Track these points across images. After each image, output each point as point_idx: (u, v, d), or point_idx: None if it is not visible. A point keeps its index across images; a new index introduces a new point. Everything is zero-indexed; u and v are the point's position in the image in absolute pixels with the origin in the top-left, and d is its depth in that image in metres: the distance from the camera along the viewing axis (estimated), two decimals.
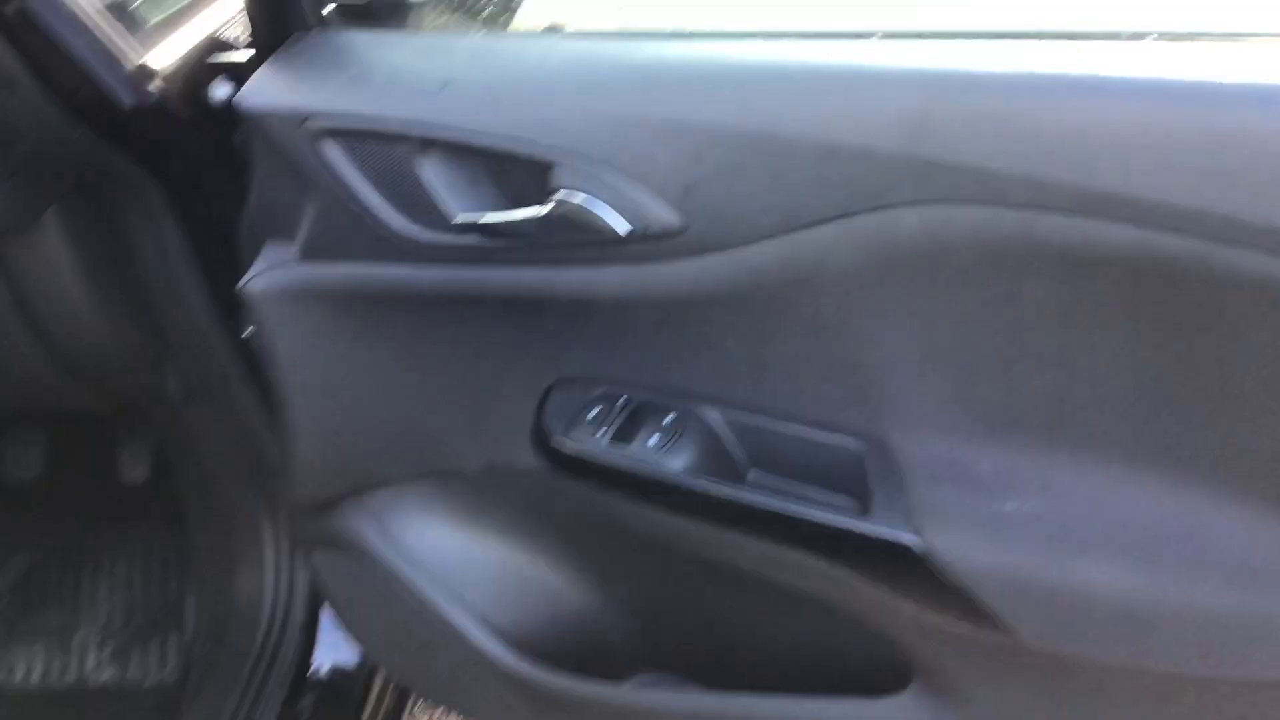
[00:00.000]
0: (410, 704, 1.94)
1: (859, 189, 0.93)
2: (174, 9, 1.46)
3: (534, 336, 1.24)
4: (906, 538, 1.02)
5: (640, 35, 1.13)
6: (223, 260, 1.54)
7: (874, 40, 0.99)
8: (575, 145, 1.05)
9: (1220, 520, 0.93)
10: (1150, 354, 0.90)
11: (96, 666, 1.96)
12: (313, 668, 1.72)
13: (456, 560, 1.43)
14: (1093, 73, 0.87)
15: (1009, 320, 0.94)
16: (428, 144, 1.12)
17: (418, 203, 1.14)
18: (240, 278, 1.49)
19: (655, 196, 1.03)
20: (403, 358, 1.30)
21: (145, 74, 1.35)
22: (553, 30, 1.47)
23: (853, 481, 1.07)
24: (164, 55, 1.38)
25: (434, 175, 1.13)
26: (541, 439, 1.22)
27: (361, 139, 1.15)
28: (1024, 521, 1.00)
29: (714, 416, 1.15)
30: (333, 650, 1.73)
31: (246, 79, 1.24)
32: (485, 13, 1.80)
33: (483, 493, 1.40)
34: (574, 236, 1.07)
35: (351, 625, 1.60)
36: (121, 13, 1.37)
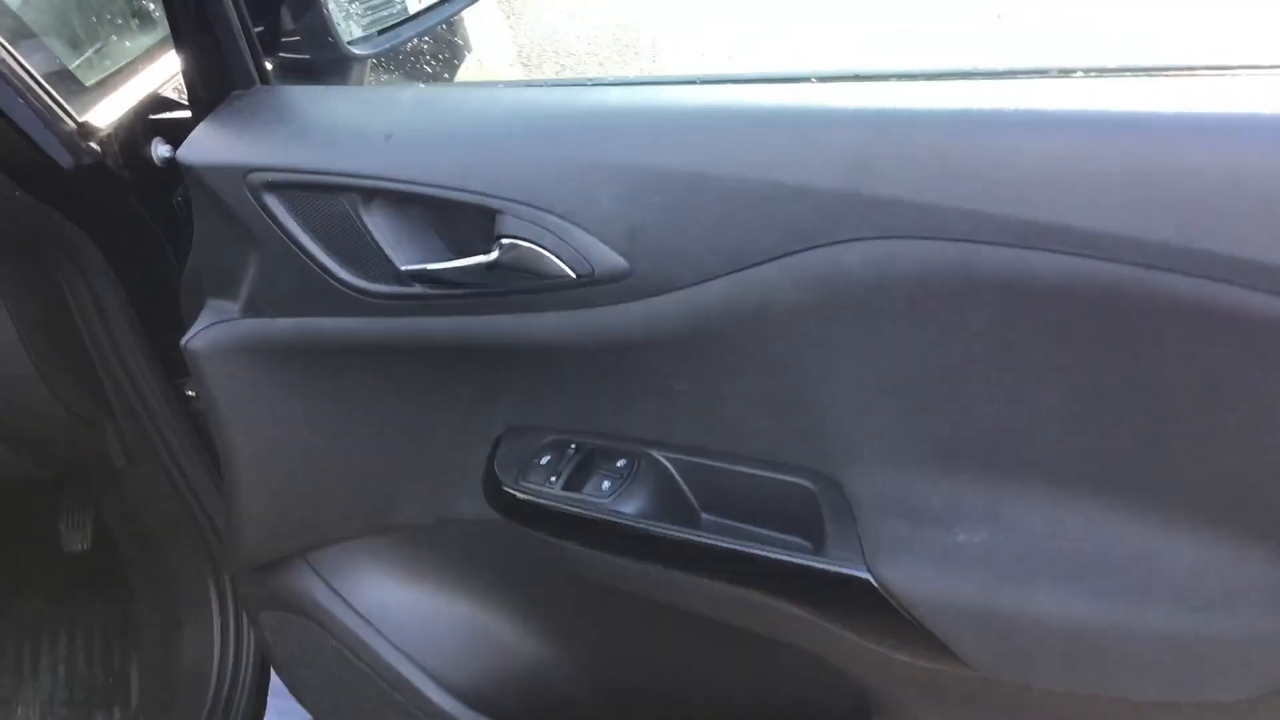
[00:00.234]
0: None
1: (802, 226, 0.94)
2: (112, 69, 1.45)
3: (482, 386, 1.23)
4: (860, 572, 1.03)
5: (581, 83, 1.14)
6: (163, 321, 1.53)
7: (811, 83, 1.01)
8: (519, 193, 1.05)
9: (1168, 545, 0.94)
10: (1092, 381, 0.91)
11: None
12: None
13: (409, 616, 1.41)
14: (1026, 108, 0.89)
15: (953, 352, 0.95)
16: (371, 195, 1.12)
17: (362, 254, 1.14)
18: (181, 337, 1.48)
19: (600, 241, 1.03)
20: (349, 412, 1.29)
21: (84, 134, 1.34)
22: (494, 81, 1.48)
23: (805, 521, 1.08)
24: (102, 115, 1.37)
25: (378, 226, 1.13)
26: (493, 488, 1.22)
27: (304, 191, 1.14)
28: (975, 552, 1.00)
29: (665, 460, 1.16)
30: (283, 713, 1.70)
31: (185, 137, 1.24)
32: (429, 73, 1.81)
33: (434, 547, 1.39)
34: (520, 283, 1.08)
35: (300, 689, 1.57)
36: (59, 74, 1.37)
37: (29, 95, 1.29)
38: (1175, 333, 0.85)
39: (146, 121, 1.42)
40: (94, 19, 1.53)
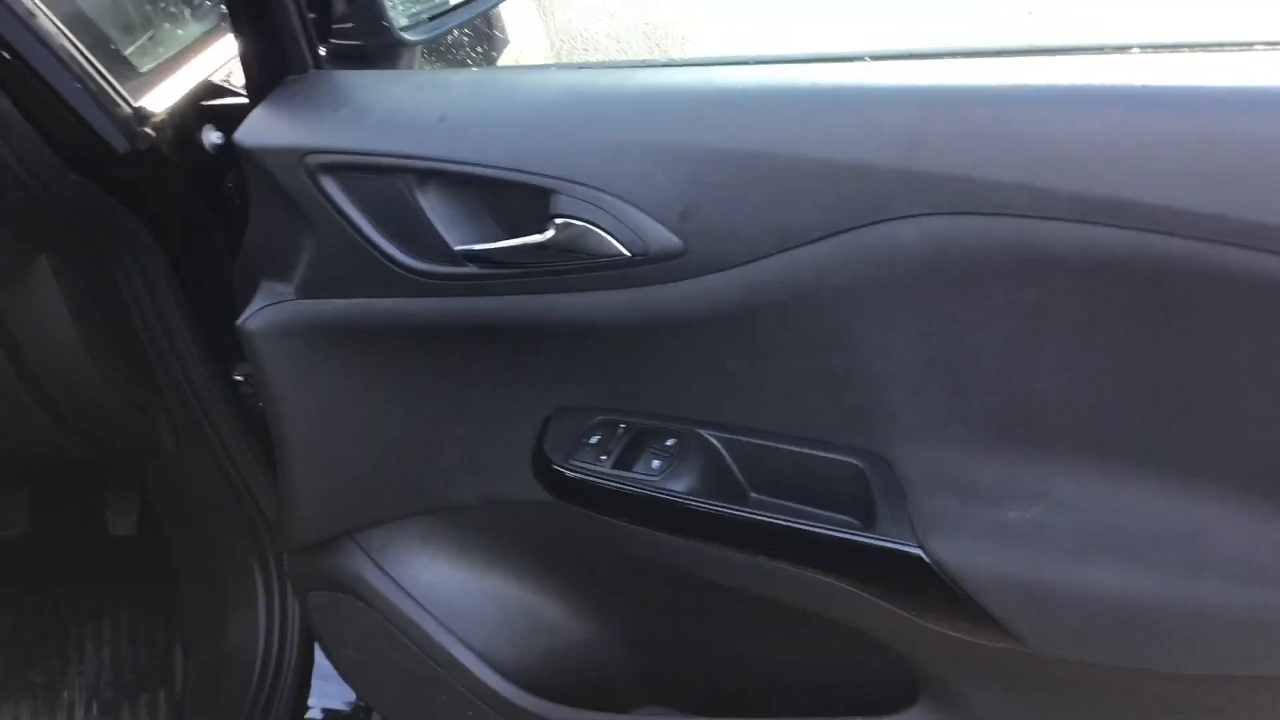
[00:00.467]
0: None
1: (857, 204, 0.95)
2: (165, 56, 1.48)
3: (532, 366, 1.25)
4: (911, 548, 1.03)
5: (633, 64, 1.16)
6: (213, 306, 1.55)
7: (865, 62, 1.02)
8: (573, 173, 1.07)
9: (1221, 519, 0.95)
10: (1147, 356, 0.92)
11: None
12: (308, 714, 1.70)
13: (457, 597, 1.43)
14: (1082, 83, 0.90)
15: (1006, 329, 0.96)
16: (426, 176, 1.14)
17: (416, 234, 1.16)
18: (231, 323, 1.50)
19: (654, 220, 1.04)
20: (401, 392, 1.31)
21: (139, 119, 1.36)
22: (546, 64, 1.50)
23: (854, 500, 1.09)
24: (156, 101, 1.39)
25: (433, 207, 1.15)
26: (543, 467, 1.23)
27: (360, 173, 1.16)
28: (1027, 529, 1.01)
29: (714, 440, 1.17)
30: (327, 695, 1.72)
31: (238, 124, 1.26)
32: (468, 65, 1.83)
33: (482, 527, 1.40)
34: (574, 262, 1.09)
35: (347, 668, 1.59)
36: (115, 59, 1.39)
37: (86, 80, 1.32)
38: (1232, 307, 0.86)
39: (199, 108, 1.44)
40: (148, 6, 1.55)
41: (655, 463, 1.17)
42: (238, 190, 1.44)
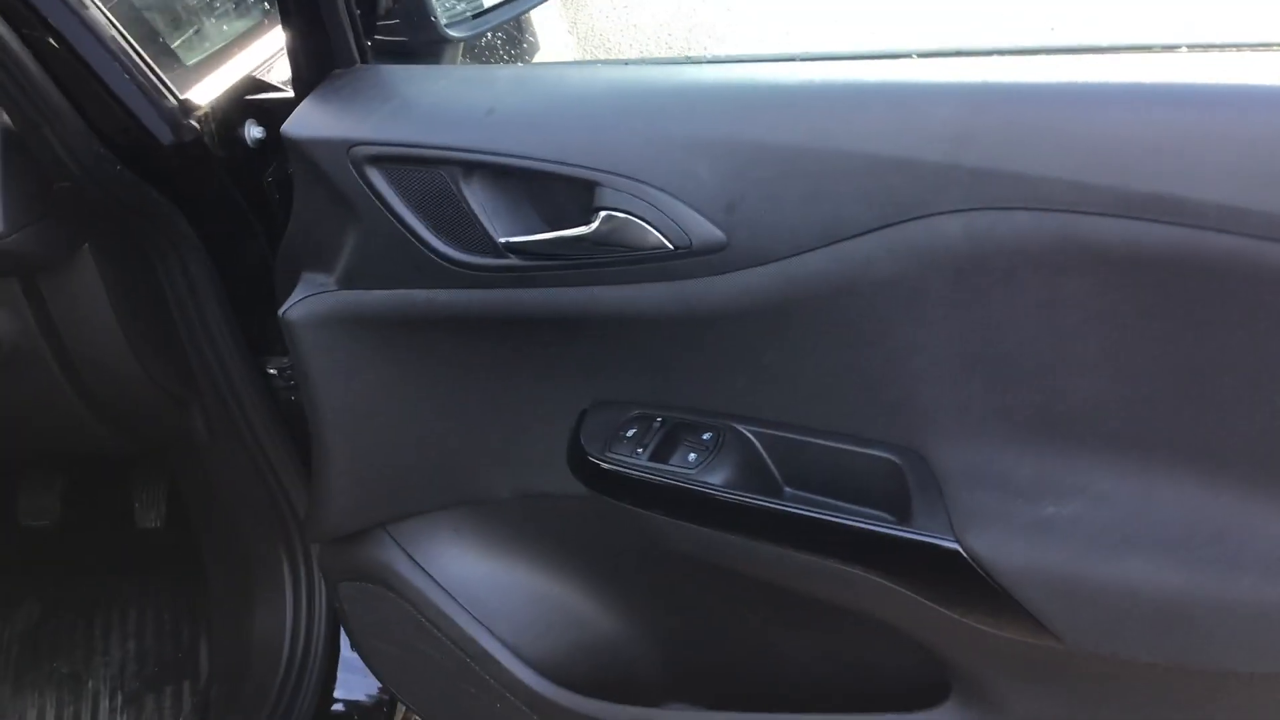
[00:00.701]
0: None
1: (902, 199, 0.96)
2: (210, 50, 1.50)
3: (571, 359, 1.26)
4: (948, 542, 1.04)
5: (679, 61, 1.17)
6: (250, 300, 1.57)
7: (911, 59, 1.03)
8: (618, 166, 1.08)
9: (1258, 516, 0.95)
10: (1187, 352, 0.93)
11: (110, 713, 1.94)
12: (333, 705, 1.72)
13: (487, 589, 1.44)
14: (1129, 80, 0.92)
15: (1047, 324, 0.97)
16: (471, 168, 1.15)
17: (460, 226, 1.17)
18: (266, 317, 1.51)
19: (697, 213, 1.06)
20: (438, 384, 1.32)
21: (185, 111, 1.38)
22: (591, 60, 1.51)
23: (889, 495, 1.09)
24: (201, 94, 1.41)
25: (477, 199, 1.16)
26: (579, 459, 1.24)
27: (405, 165, 1.18)
28: (1064, 524, 1.02)
29: (750, 434, 1.18)
30: (350, 686, 1.73)
31: (280, 119, 1.27)
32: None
33: (514, 520, 1.41)
34: (618, 255, 1.11)
35: (375, 659, 1.60)
36: (163, 51, 1.41)
37: (135, 71, 1.34)
38: (1274, 303, 0.87)
39: (242, 102, 1.46)
40: (194, 0, 1.57)
41: (691, 456, 1.18)
42: (277, 185, 1.46)
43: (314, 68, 1.28)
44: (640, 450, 1.20)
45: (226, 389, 1.61)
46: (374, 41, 1.33)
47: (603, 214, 1.09)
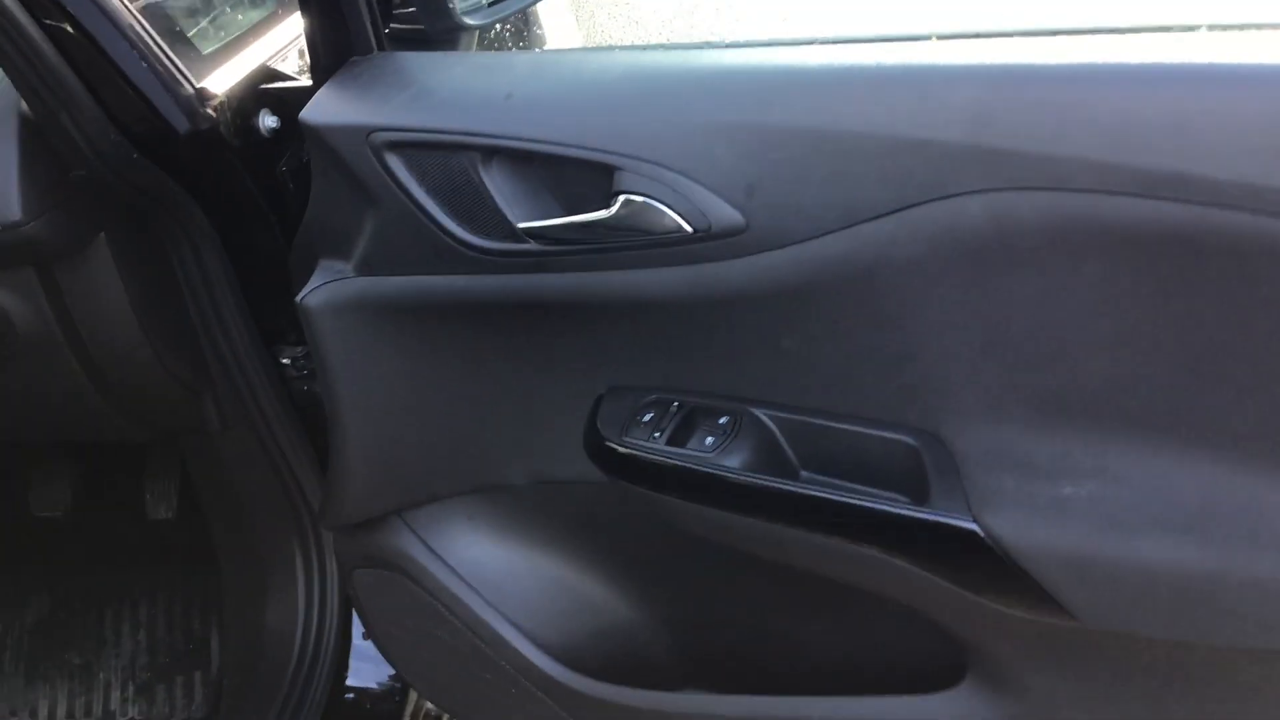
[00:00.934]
0: None
1: (923, 180, 0.97)
2: (226, 40, 1.50)
3: (587, 346, 1.27)
4: (967, 523, 1.05)
5: (698, 46, 1.18)
6: (264, 290, 1.58)
7: (931, 41, 1.04)
8: (638, 149, 1.09)
9: (1276, 493, 0.96)
10: (1206, 331, 0.94)
11: (121, 704, 1.95)
12: (346, 694, 1.72)
13: (503, 575, 1.45)
14: (1150, 60, 0.92)
15: (1067, 304, 0.98)
16: (491, 153, 1.16)
17: (479, 212, 1.18)
18: (280, 307, 1.52)
19: (717, 196, 1.06)
20: (456, 370, 1.33)
21: (201, 100, 1.39)
22: (609, 46, 1.52)
23: (907, 477, 1.10)
24: (217, 83, 1.42)
25: (496, 184, 1.17)
26: (595, 444, 1.25)
27: (425, 151, 1.18)
28: (1082, 504, 1.03)
29: (766, 418, 1.19)
30: (362, 674, 1.74)
31: (295, 109, 1.28)
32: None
33: (530, 507, 1.42)
34: (636, 239, 1.11)
35: (389, 646, 1.61)
36: (179, 39, 1.42)
37: (152, 59, 1.34)
38: None
39: (257, 91, 1.47)
40: None
41: (708, 440, 1.19)
42: (291, 174, 1.47)
43: (332, 55, 1.28)
44: (657, 434, 1.21)
45: (240, 378, 1.62)
46: (391, 30, 1.34)
47: (621, 198, 1.10)
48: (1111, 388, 1.00)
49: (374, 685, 1.74)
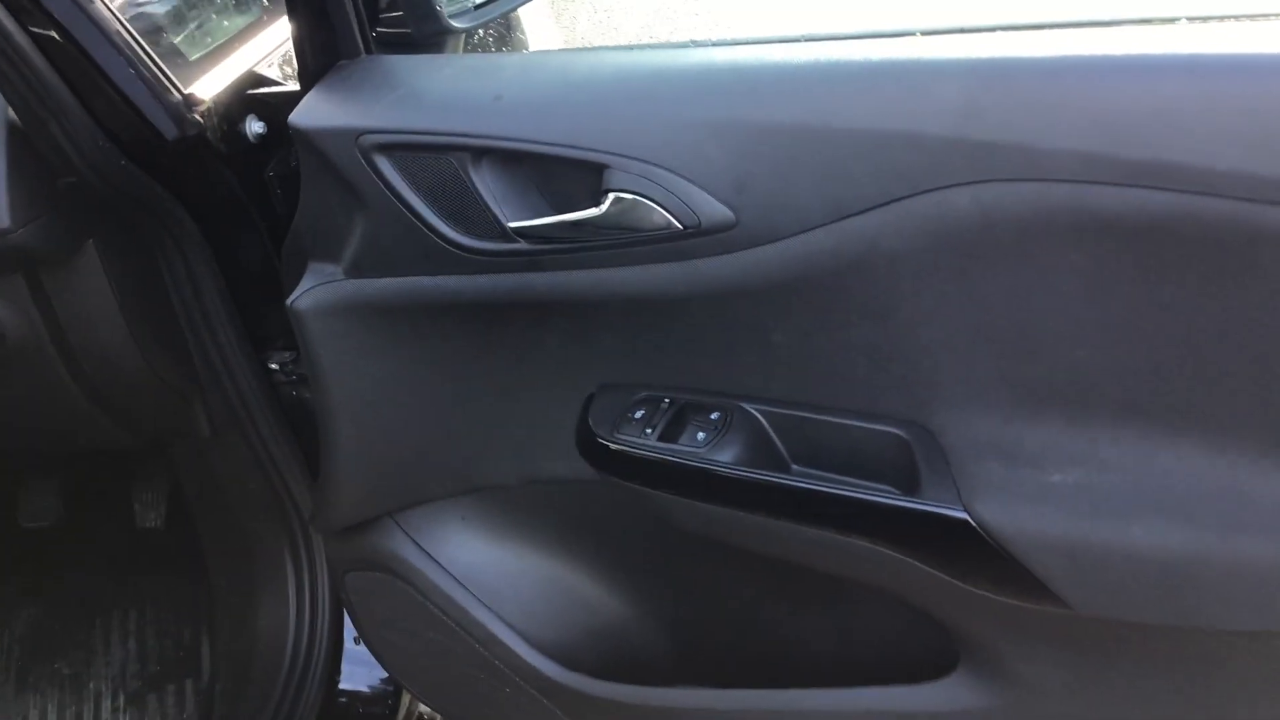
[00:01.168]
0: None
1: (910, 173, 0.98)
2: (213, 46, 1.51)
3: (577, 345, 1.28)
4: (957, 512, 1.06)
5: (685, 45, 1.19)
6: (252, 295, 1.58)
7: (916, 37, 1.05)
8: (627, 148, 1.10)
9: (1259, 476, 0.98)
10: (1189, 318, 0.95)
11: (113, 713, 1.94)
12: (339, 698, 1.72)
13: (495, 575, 1.46)
14: (1132, 52, 0.94)
15: (1054, 294, 0.99)
16: (480, 154, 1.17)
17: (469, 212, 1.19)
18: (268, 312, 1.52)
19: (707, 193, 1.08)
20: (446, 372, 1.34)
21: (189, 106, 1.39)
22: (597, 47, 1.53)
23: (897, 469, 1.11)
24: (204, 89, 1.43)
25: (486, 185, 1.17)
26: (587, 441, 1.26)
27: (414, 152, 1.19)
28: (1069, 491, 1.04)
29: (757, 413, 1.20)
30: (357, 679, 1.74)
31: (281, 114, 1.28)
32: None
33: (522, 507, 1.43)
34: (628, 236, 1.12)
35: (381, 648, 1.61)
36: (166, 46, 1.42)
37: (139, 65, 1.35)
38: (1275, 266, 0.90)
39: (244, 97, 1.47)
40: None
41: (700, 435, 1.20)
42: (278, 180, 1.48)
43: (319, 59, 1.29)
44: (649, 431, 1.22)
45: (229, 383, 1.62)
46: (378, 33, 1.35)
47: (612, 196, 1.11)
48: (1098, 375, 1.02)
49: (366, 689, 1.74)
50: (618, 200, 1.11)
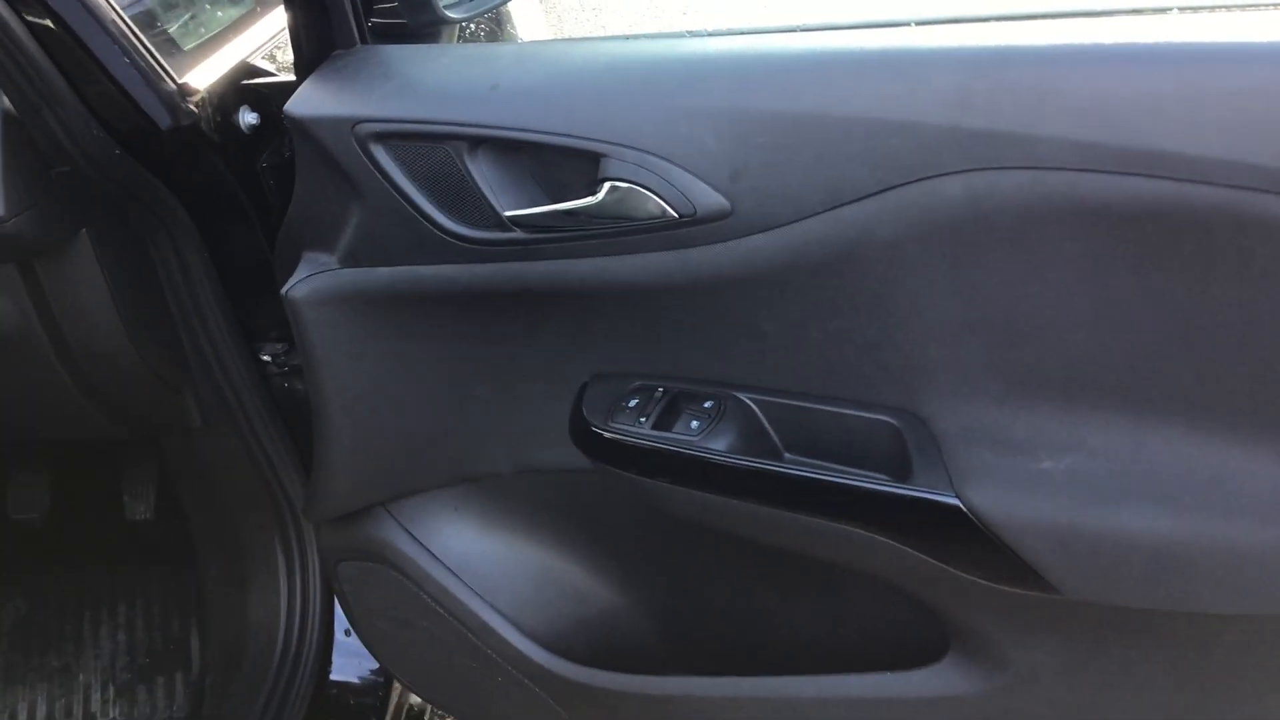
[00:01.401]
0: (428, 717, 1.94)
1: (904, 161, 0.99)
2: (207, 36, 1.51)
3: (571, 334, 1.28)
4: (948, 498, 1.07)
5: (681, 35, 1.20)
6: (244, 286, 1.58)
7: (910, 26, 1.06)
8: (623, 137, 1.11)
9: (1249, 463, 0.99)
10: (1179, 305, 0.96)
11: (102, 705, 1.94)
12: (330, 689, 1.73)
13: (488, 564, 1.46)
14: (1125, 41, 0.95)
15: (1046, 281, 1.00)
16: (476, 143, 1.17)
17: (465, 201, 1.19)
18: (260, 303, 1.53)
19: (703, 181, 1.08)
20: (441, 361, 1.34)
21: (183, 96, 1.39)
22: (593, 36, 1.54)
23: (889, 457, 1.13)
24: (198, 79, 1.43)
25: (482, 173, 1.18)
26: (581, 430, 1.27)
27: (410, 141, 1.20)
28: (1060, 477, 1.05)
29: (750, 401, 1.21)
30: (348, 670, 1.74)
31: (275, 104, 1.29)
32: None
33: (515, 496, 1.43)
34: (623, 225, 1.13)
35: (373, 638, 1.61)
36: (161, 36, 1.42)
37: (134, 55, 1.35)
38: (1266, 253, 0.91)
39: (238, 87, 1.48)
40: None
41: (693, 424, 1.21)
42: (271, 171, 1.48)
43: (315, 49, 1.29)
44: (643, 420, 1.22)
45: (220, 374, 1.62)
46: (373, 24, 1.35)
47: (607, 184, 1.12)
48: (1088, 362, 1.03)
49: (357, 680, 1.74)
50: (613, 189, 1.11)
